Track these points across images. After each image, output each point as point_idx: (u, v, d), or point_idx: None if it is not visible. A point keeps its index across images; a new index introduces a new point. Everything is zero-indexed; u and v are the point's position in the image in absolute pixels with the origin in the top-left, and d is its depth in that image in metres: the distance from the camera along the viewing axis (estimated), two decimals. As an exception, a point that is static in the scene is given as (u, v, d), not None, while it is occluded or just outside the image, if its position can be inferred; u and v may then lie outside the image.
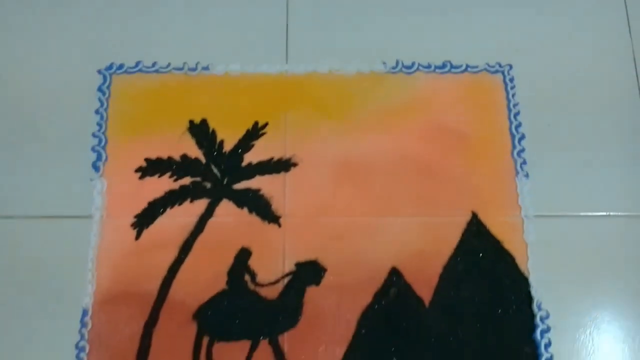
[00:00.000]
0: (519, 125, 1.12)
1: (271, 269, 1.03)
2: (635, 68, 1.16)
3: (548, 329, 1.01)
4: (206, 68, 1.15)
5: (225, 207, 1.07)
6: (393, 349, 1.00)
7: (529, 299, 1.03)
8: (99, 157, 1.09)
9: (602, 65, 1.17)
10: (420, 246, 1.05)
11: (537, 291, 1.03)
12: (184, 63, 1.15)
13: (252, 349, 0.99)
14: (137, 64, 1.15)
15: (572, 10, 1.21)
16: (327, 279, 1.03)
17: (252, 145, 1.10)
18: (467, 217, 1.07)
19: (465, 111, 1.13)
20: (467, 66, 1.16)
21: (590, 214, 1.08)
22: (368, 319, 1.01)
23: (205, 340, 1.00)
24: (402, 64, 1.16)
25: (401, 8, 1.20)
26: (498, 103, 1.14)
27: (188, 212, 1.06)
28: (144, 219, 1.06)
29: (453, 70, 1.16)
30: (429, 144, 1.11)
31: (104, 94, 1.13)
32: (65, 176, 1.08)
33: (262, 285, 1.03)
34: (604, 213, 1.08)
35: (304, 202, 1.07)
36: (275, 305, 1.02)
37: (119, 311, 1.01)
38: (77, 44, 1.17)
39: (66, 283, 1.02)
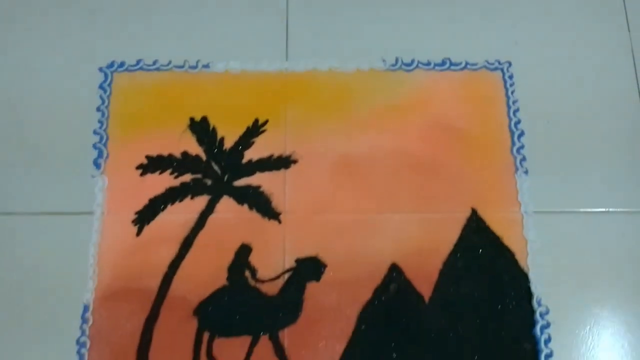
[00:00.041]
0: (518, 122, 1.12)
1: (271, 265, 1.04)
2: (634, 64, 1.17)
3: (548, 325, 1.01)
4: (207, 66, 1.16)
5: (226, 204, 1.07)
6: (393, 344, 1.00)
7: (529, 294, 1.03)
8: (100, 154, 1.10)
9: (601, 62, 1.17)
10: (420, 242, 1.05)
11: (537, 287, 1.03)
12: (185, 61, 1.16)
13: (253, 344, 1.00)
14: (138, 61, 1.16)
15: (571, 7, 1.22)
16: (327, 275, 1.03)
17: (253, 143, 1.11)
18: (467, 213, 1.07)
19: (465, 108, 1.14)
20: (467, 63, 1.16)
21: (589, 210, 1.08)
22: (368, 314, 1.01)
23: (206, 336, 1.00)
24: (402, 61, 1.16)
25: (401, 5, 1.21)
26: (497, 100, 1.14)
27: (189, 209, 1.06)
28: (145, 216, 1.06)
29: (452, 67, 1.16)
30: (429, 141, 1.11)
31: (105, 91, 1.14)
32: (67, 173, 1.08)
33: (262, 281, 1.03)
34: (603, 209, 1.08)
35: (304, 198, 1.08)
36: (276, 301, 1.02)
37: (119, 307, 1.01)
38: (79, 42, 1.18)
39: (67, 279, 1.02)
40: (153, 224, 1.06)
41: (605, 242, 1.06)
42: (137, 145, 1.10)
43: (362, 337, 1.01)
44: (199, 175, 1.09)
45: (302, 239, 1.05)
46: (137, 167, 1.09)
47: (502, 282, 1.04)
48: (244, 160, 1.10)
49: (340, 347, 1.00)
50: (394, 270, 1.04)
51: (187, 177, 1.09)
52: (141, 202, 1.07)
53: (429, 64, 1.16)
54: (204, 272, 1.03)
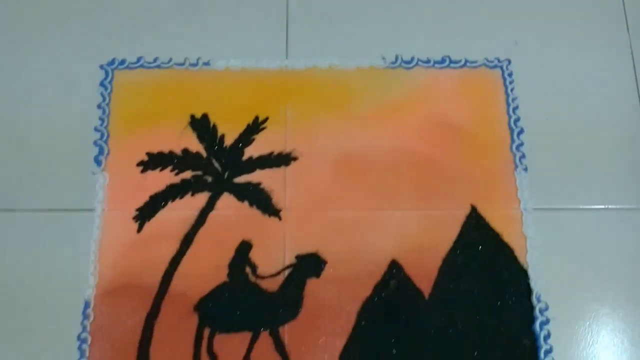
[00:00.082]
0: (517, 119, 1.13)
1: (272, 261, 1.04)
2: (633, 62, 1.17)
3: (547, 321, 1.01)
4: (207, 63, 1.16)
5: (226, 201, 1.07)
6: (393, 340, 1.01)
7: (528, 291, 1.03)
8: (101, 151, 1.10)
9: (600, 60, 1.18)
10: (420, 239, 1.06)
11: (536, 283, 1.03)
12: (185, 58, 1.16)
13: (253, 340, 1.00)
14: (139, 59, 1.16)
15: (570, 5, 1.22)
16: (327, 271, 1.04)
17: (253, 140, 1.11)
18: (467, 210, 1.07)
19: (464, 105, 1.14)
20: (466, 61, 1.17)
21: (588, 207, 1.08)
22: (368, 311, 1.02)
23: (207, 332, 1.00)
24: (402, 58, 1.17)
25: (400, 3, 1.21)
26: (497, 97, 1.14)
27: (189, 206, 1.07)
28: (146, 212, 1.06)
29: (452, 65, 1.17)
30: (428, 138, 1.12)
31: (106, 89, 1.14)
32: (68, 170, 1.09)
33: (262, 278, 1.03)
34: (602, 206, 1.08)
35: (304, 195, 1.08)
36: (276, 298, 1.02)
37: (120, 303, 1.01)
38: (80, 40, 1.18)
39: (68, 275, 1.02)
40: (154, 220, 1.06)
41: (605, 239, 1.06)
42: (138, 143, 1.10)
43: (362, 333, 1.01)
44: (199, 172, 1.09)
45: (302, 235, 1.06)
46: (138, 164, 1.09)
47: (502, 279, 1.04)
48: (245, 158, 1.10)
49: (340, 343, 1.00)
50: (394, 267, 1.04)
51: (187, 174, 1.09)
52: (142, 198, 1.07)
53: (428, 61, 1.17)
54: (205, 269, 1.03)
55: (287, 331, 1.00)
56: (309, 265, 1.04)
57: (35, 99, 1.14)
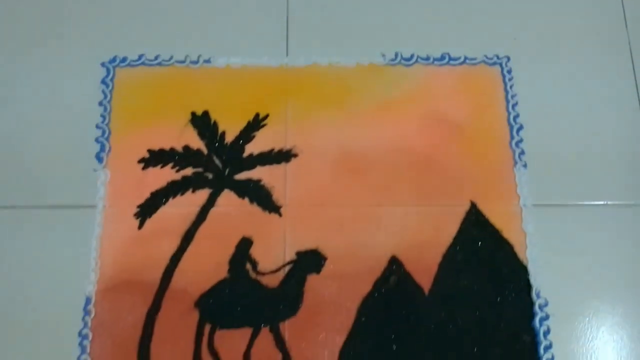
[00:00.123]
0: (517, 115, 1.13)
1: (272, 257, 1.04)
2: (631, 57, 1.17)
3: (547, 317, 1.02)
4: (208, 61, 1.16)
5: (227, 197, 1.08)
6: (393, 336, 1.01)
7: (528, 287, 1.03)
8: (102, 148, 1.10)
9: (599, 55, 1.18)
10: (420, 235, 1.06)
11: (536, 279, 1.03)
12: (186, 56, 1.17)
13: (254, 336, 1.00)
14: (140, 57, 1.16)
15: (570, 2, 1.22)
16: (327, 267, 1.04)
17: (253, 137, 1.11)
18: (466, 206, 1.08)
19: (464, 102, 1.14)
20: (466, 58, 1.17)
21: (588, 203, 1.08)
22: (368, 307, 1.02)
23: (207, 328, 1.00)
24: (401, 56, 1.17)
25: (400, 0, 1.22)
26: (496, 94, 1.15)
27: (190, 202, 1.07)
28: (147, 209, 1.07)
29: (451, 62, 1.17)
30: (428, 135, 1.12)
31: (107, 86, 1.14)
32: (69, 167, 1.09)
33: (263, 274, 1.04)
34: (602, 202, 1.09)
35: (304, 192, 1.08)
36: (276, 294, 1.02)
37: (121, 299, 1.02)
38: (81, 38, 1.18)
39: (69, 272, 1.03)
40: (155, 217, 1.06)
41: (604, 235, 1.07)
42: (139, 139, 1.11)
43: (362, 329, 1.01)
44: (200, 169, 1.09)
45: (303, 232, 1.06)
46: (139, 161, 1.09)
47: (501, 275, 1.04)
48: (245, 154, 1.11)
49: (340, 339, 1.00)
50: (394, 263, 1.04)
51: (188, 171, 1.09)
52: (143, 195, 1.07)
53: (428, 58, 1.17)
54: (205, 265, 1.04)
55: (287, 327, 1.01)
56: (309, 261, 1.04)
57: (37, 97, 1.14)
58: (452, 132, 1.12)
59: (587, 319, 1.02)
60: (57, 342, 1.00)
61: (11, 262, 1.04)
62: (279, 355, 0.99)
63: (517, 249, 1.05)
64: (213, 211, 1.07)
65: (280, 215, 1.07)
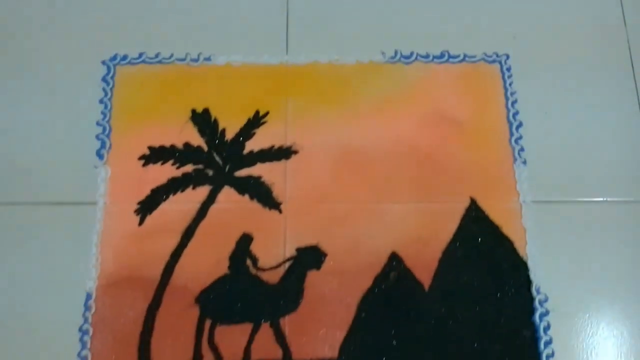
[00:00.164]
0: (516, 113, 1.14)
1: (272, 254, 1.05)
2: (630, 54, 1.18)
3: (547, 313, 1.02)
4: (208, 59, 1.17)
5: (227, 194, 1.08)
6: (393, 332, 1.01)
7: (528, 283, 1.03)
8: (103, 145, 1.11)
9: (598, 53, 1.18)
10: (420, 231, 1.06)
11: (536, 275, 1.04)
12: (187, 54, 1.17)
13: (254, 331, 1.00)
14: (141, 55, 1.17)
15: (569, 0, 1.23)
16: (327, 263, 1.04)
17: (254, 134, 1.12)
18: (466, 203, 1.08)
19: (463, 100, 1.15)
20: (465, 56, 1.18)
21: (587, 199, 1.09)
22: (368, 302, 1.02)
23: (208, 323, 1.00)
24: (401, 53, 1.18)
25: (399, -1, 1.23)
26: (495, 92, 1.15)
27: (190, 199, 1.07)
28: (147, 206, 1.07)
29: (451, 59, 1.17)
30: (428, 132, 1.12)
31: (108, 84, 1.15)
32: (70, 163, 1.09)
33: (263, 270, 1.04)
34: (601, 199, 1.09)
35: (304, 188, 1.09)
36: (277, 290, 1.03)
37: (122, 295, 1.02)
38: (82, 36, 1.19)
39: (70, 268, 1.03)
40: (155, 213, 1.07)
41: (604, 231, 1.07)
42: (140, 137, 1.11)
43: (362, 324, 1.01)
44: (200, 166, 1.10)
45: (303, 228, 1.06)
46: (140, 158, 1.10)
47: (502, 271, 1.05)
48: (245, 151, 1.11)
49: (340, 335, 1.00)
50: (394, 259, 1.04)
51: (188, 168, 1.10)
52: (143, 192, 1.08)
53: (427, 56, 1.18)
54: (206, 261, 1.04)
55: (287, 323, 1.01)
56: (310, 257, 1.04)
57: (38, 94, 1.14)
58: (451, 129, 1.13)
59: (587, 314, 1.02)
60: (58, 338, 1.00)
61: (12, 259, 1.04)
62: (279, 351, 0.99)
63: (517, 245, 1.06)
64: (213, 208, 1.07)
65: (280, 211, 1.07)
